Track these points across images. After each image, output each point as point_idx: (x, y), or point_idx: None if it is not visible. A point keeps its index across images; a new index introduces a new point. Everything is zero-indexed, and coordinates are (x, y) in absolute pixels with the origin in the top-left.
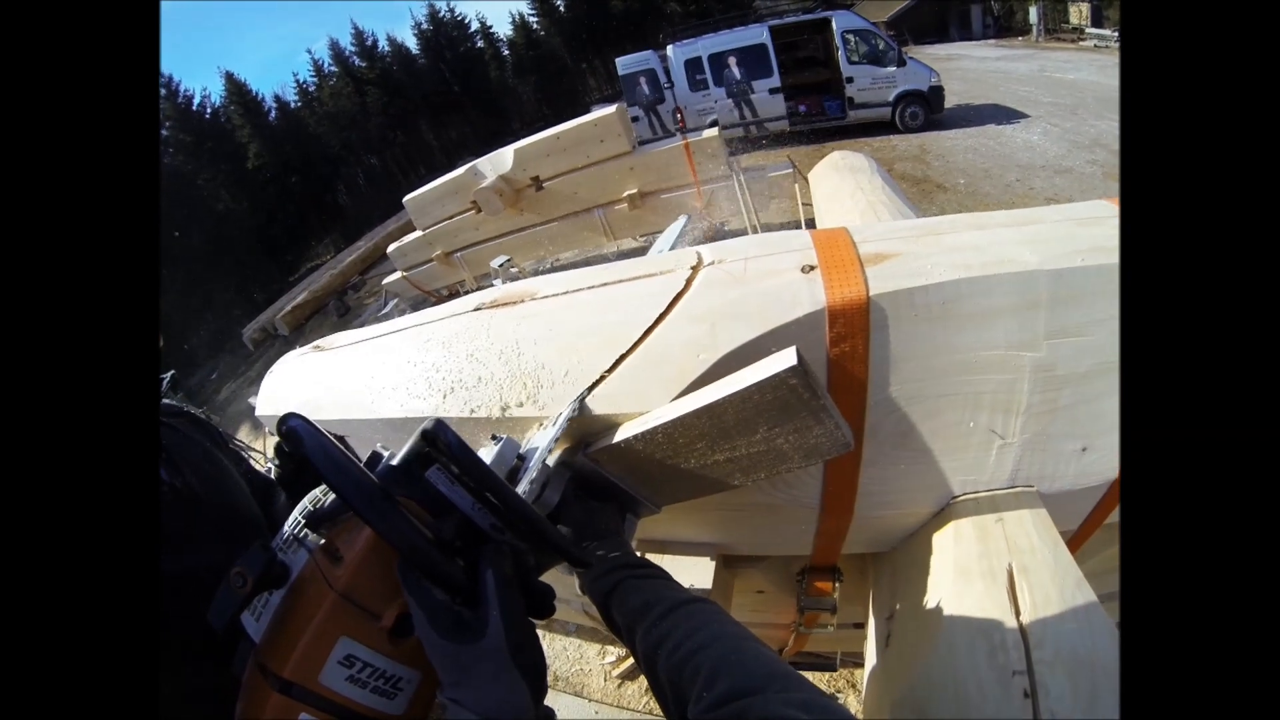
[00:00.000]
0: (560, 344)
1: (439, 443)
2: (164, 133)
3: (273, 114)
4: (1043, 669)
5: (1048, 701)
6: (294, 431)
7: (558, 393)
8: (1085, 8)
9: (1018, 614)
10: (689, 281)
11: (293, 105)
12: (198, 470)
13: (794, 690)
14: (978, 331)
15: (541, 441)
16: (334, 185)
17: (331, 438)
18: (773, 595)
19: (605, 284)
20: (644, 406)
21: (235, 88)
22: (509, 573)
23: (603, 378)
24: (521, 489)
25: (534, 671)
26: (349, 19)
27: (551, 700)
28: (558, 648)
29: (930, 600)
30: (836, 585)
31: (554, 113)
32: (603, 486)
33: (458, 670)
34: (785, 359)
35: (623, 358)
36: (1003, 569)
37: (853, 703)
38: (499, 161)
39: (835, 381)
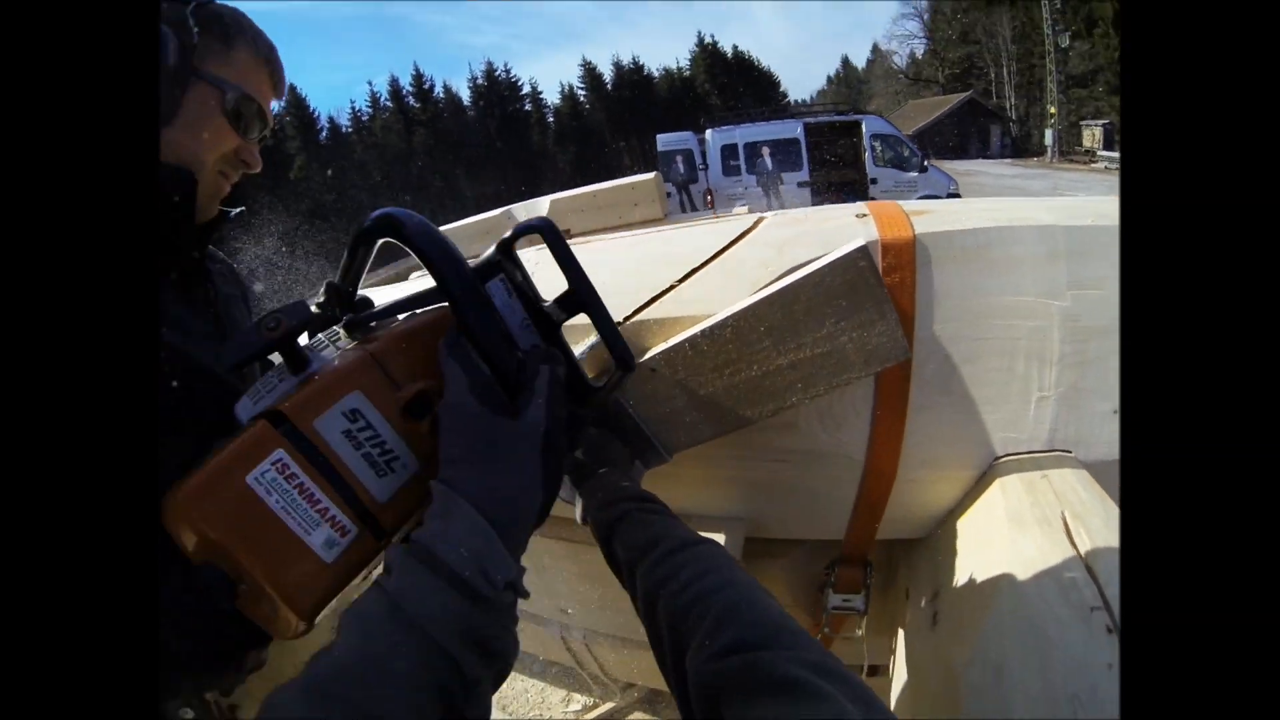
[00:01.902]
0: (627, 267)
1: (513, 248)
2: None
3: (324, 134)
4: (1119, 605)
5: None
6: (392, 216)
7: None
8: (1098, 131)
9: (1080, 556)
10: (754, 225)
11: (345, 130)
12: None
13: (804, 650)
14: (1008, 276)
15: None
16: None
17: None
18: (791, 610)
19: (670, 228)
20: (712, 309)
21: (295, 99)
22: (560, 378)
23: (672, 287)
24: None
25: (553, 481)
26: (413, 61)
27: None
28: (518, 688)
29: (986, 556)
30: (868, 581)
31: (586, 182)
32: (616, 425)
33: (478, 443)
34: (854, 243)
35: (693, 272)
36: (1056, 516)
37: None
38: (533, 209)
39: None
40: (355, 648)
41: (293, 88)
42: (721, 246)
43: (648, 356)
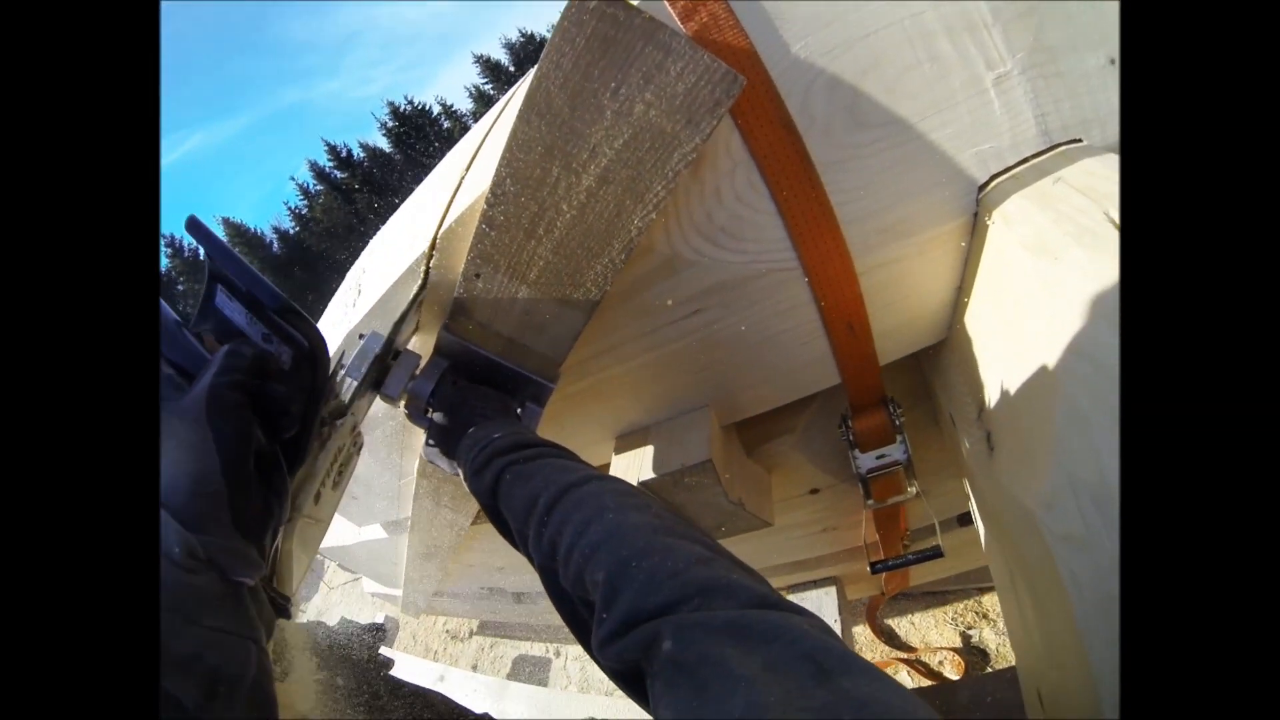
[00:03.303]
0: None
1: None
2: (179, 287)
3: (275, 245)
4: None
5: None
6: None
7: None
8: None
9: None
10: (523, 80)
11: (292, 232)
12: None
13: (718, 605)
14: None
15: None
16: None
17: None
18: (833, 489)
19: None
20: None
21: (234, 230)
22: (245, 361)
23: (460, 181)
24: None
25: (228, 438)
26: (320, 139)
27: None
28: None
29: (1019, 322)
30: (897, 422)
31: None
32: (486, 373)
33: (162, 435)
34: None
35: (474, 156)
36: (1100, 219)
37: (990, 636)
38: None
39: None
40: None
41: (228, 219)
42: (495, 117)
43: (463, 266)
